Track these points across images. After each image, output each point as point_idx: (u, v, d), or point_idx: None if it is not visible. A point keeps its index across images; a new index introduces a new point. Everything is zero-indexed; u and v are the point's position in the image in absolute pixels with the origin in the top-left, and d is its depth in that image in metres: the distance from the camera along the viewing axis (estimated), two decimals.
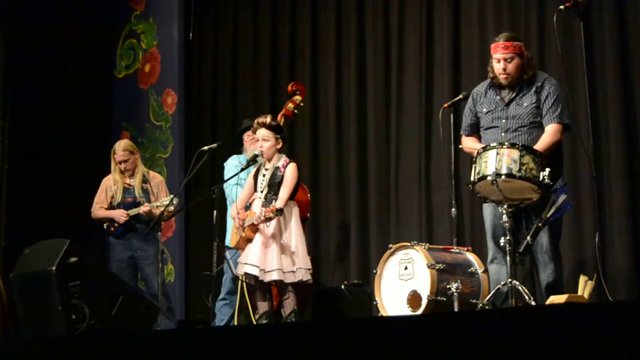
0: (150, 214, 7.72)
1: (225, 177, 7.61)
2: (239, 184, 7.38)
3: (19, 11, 9.37)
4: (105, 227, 7.95)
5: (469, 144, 6.31)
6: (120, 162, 7.93)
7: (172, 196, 7.48)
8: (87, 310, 6.06)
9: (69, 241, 6.22)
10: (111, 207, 7.93)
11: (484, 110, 6.24)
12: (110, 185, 7.96)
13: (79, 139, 9.56)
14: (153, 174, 8.16)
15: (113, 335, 5.77)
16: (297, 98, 7.33)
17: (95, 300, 6.16)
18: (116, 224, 7.86)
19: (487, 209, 6.18)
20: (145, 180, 7.97)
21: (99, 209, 7.97)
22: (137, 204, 7.84)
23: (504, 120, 6.13)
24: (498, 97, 6.20)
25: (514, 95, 6.15)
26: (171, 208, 7.51)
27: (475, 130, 6.34)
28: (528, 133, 6.06)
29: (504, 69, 6.10)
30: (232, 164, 7.68)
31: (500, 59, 6.10)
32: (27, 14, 9.43)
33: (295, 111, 7.44)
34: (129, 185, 7.93)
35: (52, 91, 9.41)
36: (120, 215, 7.81)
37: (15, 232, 8.86)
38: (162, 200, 7.68)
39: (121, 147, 8.01)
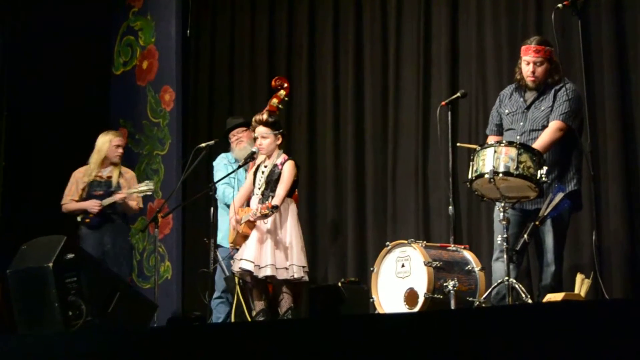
0: (125, 202, 7.69)
1: (215, 177, 7.59)
2: (229, 184, 7.36)
3: (16, 8, 9.36)
4: (79, 219, 7.83)
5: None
6: (118, 146, 7.92)
7: (147, 181, 7.46)
8: (84, 307, 6.06)
9: (66, 238, 6.23)
10: (81, 199, 7.86)
11: (506, 111, 6.27)
12: (80, 178, 7.92)
13: (76, 135, 9.55)
14: (125, 168, 8.11)
15: (110, 331, 5.77)
16: (282, 93, 7.31)
17: (92, 296, 6.16)
18: (91, 215, 7.80)
19: (497, 209, 6.16)
20: (120, 174, 7.95)
21: (70, 202, 7.90)
22: (107, 195, 7.80)
23: (521, 123, 6.15)
24: (521, 99, 6.22)
25: (534, 98, 6.17)
26: (147, 193, 7.51)
27: (500, 132, 6.35)
28: (539, 137, 6.07)
29: (533, 72, 6.12)
30: (221, 163, 7.66)
31: (530, 62, 6.12)
32: (24, 11, 9.42)
33: (280, 106, 7.42)
34: (100, 178, 7.90)
35: (50, 87, 9.40)
36: (92, 205, 7.73)
37: (12, 229, 8.84)
38: (138, 187, 7.63)
39: (122, 133, 8.03)
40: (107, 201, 7.72)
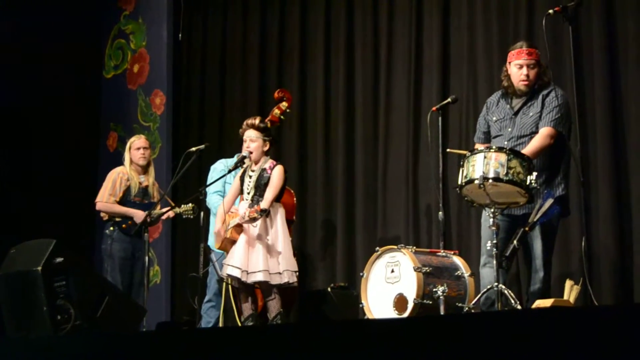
0: (162, 214, 7.71)
1: (209, 181, 7.59)
2: (220, 193, 7.35)
3: (6, 11, 9.34)
4: (115, 220, 7.76)
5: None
6: (139, 148, 7.87)
7: (193, 205, 7.48)
8: (73, 311, 6.05)
9: (55, 241, 6.21)
10: (121, 201, 7.81)
11: (494, 118, 6.27)
12: (124, 179, 7.83)
13: (66, 138, 9.54)
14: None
15: (98, 336, 5.76)
16: (284, 104, 7.33)
17: (81, 300, 6.14)
18: (130, 222, 7.74)
19: (486, 214, 6.16)
20: (153, 184, 7.96)
21: (113, 202, 7.78)
22: (149, 205, 7.78)
23: (509, 129, 6.16)
24: (508, 106, 6.22)
25: (522, 104, 6.17)
26: (190, 216, 7.55)
27: (487, 139, 6.35)
28: (529, 143, 6.07)
29: (527, 75, 6.12)
30: (219, 169, 7.65)
31: (524, 65, 6.12)
32: (15, 14, 9.40)
33: (282, 117, 7.45)
34: (140, 185, 7.86)
35: (40, 90, 9.38)
36: (141, 217, 7.53)
37: (1, 232, 8.81)
38: (184, 207, 7.62)
39: (142, 136, 8.05)
40: (156, 213, 7.63)
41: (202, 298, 7.36)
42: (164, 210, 7.63)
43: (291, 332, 4.59)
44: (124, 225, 7.72)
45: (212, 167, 7.70)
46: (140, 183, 7.85)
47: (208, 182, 7.53)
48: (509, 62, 6.22)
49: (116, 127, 9.93)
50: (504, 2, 7.74)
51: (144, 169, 7.91)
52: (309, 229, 8.64)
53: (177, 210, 7.64)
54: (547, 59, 6.37)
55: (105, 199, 7.80)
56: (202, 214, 6.79)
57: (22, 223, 8.79)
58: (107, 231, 7.80)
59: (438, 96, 7.83)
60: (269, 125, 7.02)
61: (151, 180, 7.93)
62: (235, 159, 7.65)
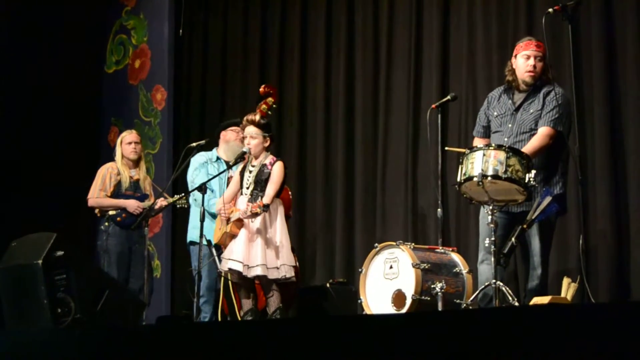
0: (160, 209, 7.71)
1: (189, 173, 7.61)
2: (209, 187, 7.38)
3: (8, 5, 9.35)
4: (109, 214, 7.75)
5: (475, 144, 6.32)
6: (130, 143, 7.89)
7: (182, 194, 7.50)
8: (73, 304, 6.07)
9: (56, 235, 6.22)
10: (113, 196, 7.83)
11: (495, 113, 6.28)
12: (113, 174, 7.86)
13: (67, 133, 9.55)
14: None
15: (98, 329, 5.78)
16: (270, 100, 7.34)
17: (81, 294, 6.16)
18: (124, 215, 7.79)
19: (484, 211, 6.18)
20: (145, 177, 7.98)
21: (104, 196, 7.80)
22: (141, 198, 7.81)
23: (509, 125, 6.17)
24: (510, 102, 6.24)
25: (523, 100, 6.19)
26: (184, 205, 7.57)
27: (487, 133, 6.37)
28: (529, 140, 6.09)
29: (534, 66, 6.16)
30: (200, 161, 7.66)
31: (531, 56, 6.16)
32: (17, 8, 9.41)
33: (269, 112, 7.45)
34: (129, 178, 7.89)
35: (42, 85, 9.39)
36: (136, 206, 7.68)
37: (1, 225, 8.83)
38: (175, 197, 7.65)
39: (133, 131, 8.11)
40: (146, 204, 7.66)
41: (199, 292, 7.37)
42: (158, 201, 7.66)
43: (290, 327, 4.61)
44: (118, 219, 7.74)
45: (192, 160, 7.68)
46: (131, 177, 7.87)
47: (189, 175, 7.57)
48: (515, 55, 6.24)
49: (117, 122, 9.94)
50: (504, 1, 7.76)
51: (135, 163, 7.94)
52: (309, 225, 8.66)
53: (170, 200, 7.66)
54: (547, 56, 6.39)
55: (96, 195, 7.83)
56: (202, 208, 6.80)
57: (22, 217, 8.80)
58: (102, 227, 7.80)
59: (437, 95, 7.84)
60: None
61: (142, 174, 7.95)
62: (214, 152, 7.69)
